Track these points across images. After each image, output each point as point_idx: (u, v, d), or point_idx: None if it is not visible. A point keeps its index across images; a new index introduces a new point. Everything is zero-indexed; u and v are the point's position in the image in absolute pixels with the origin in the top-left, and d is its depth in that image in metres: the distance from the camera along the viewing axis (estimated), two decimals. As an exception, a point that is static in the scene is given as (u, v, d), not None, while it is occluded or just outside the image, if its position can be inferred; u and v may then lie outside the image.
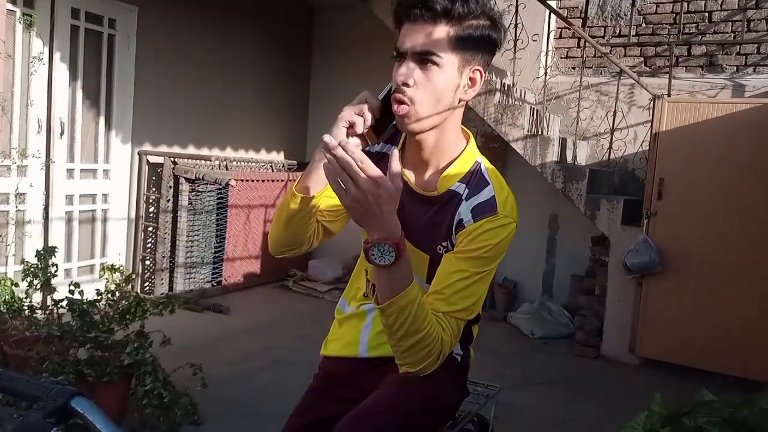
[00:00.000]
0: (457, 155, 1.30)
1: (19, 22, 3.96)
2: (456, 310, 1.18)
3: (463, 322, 1.21)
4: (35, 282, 2.91)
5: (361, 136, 1.21)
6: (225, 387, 3.28)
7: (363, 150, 1.23)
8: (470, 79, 1.23)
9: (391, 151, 1.37)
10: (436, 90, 1.19)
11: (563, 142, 4.70)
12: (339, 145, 1.02)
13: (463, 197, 1.26)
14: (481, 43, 1.21)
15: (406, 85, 1.18)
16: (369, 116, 1.18)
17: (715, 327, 3.93)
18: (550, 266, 5.38)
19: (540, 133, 4.59)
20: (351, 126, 1.18)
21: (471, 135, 1.35)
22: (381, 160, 1.35)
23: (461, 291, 1.18)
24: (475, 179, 1.27)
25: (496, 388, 1.70)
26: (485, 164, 1.31)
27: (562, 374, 4.03)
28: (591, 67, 5.18)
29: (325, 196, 1.27)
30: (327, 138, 1.03)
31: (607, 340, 4.35)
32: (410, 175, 1.34)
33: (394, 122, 1.26)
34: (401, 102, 1.19)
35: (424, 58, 1.18)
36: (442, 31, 1.17)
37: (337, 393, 1.39)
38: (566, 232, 5.28)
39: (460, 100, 1.25)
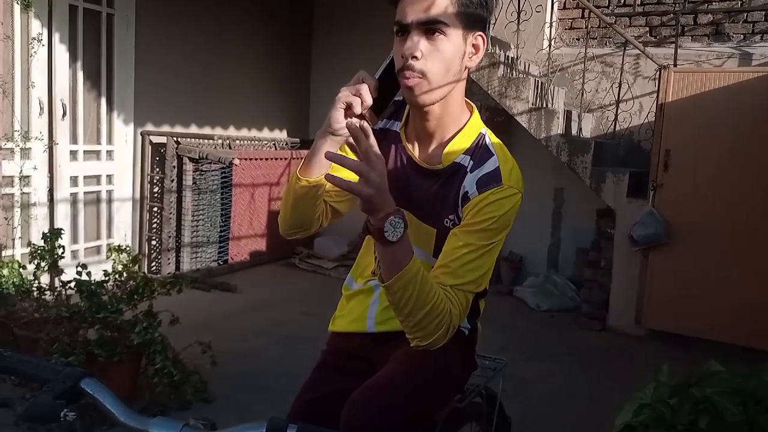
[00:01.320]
0: (461, 127, 1.29)
1: (17, 2, 3.92)
2: (463, 283, 1.18)
3: (472, 294, 1.21)
4: (43, 264, 2.92)
5: (360, 117, 1.18)
6: (234, 364, 3.30)
7: None
8: (473, 45, 1.23)
9: (393, 126, 1.36)
10: (445, 59, 1.18)
11: (568, 115, 4.66)
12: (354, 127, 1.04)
13: (468, 169, 1.25)
14: (480, 9, 1.20)
15: (414, 58, 1.17)
16: (367, 96, 1.16)
17: (721, 297, 3.93)
18: (555, 239, 5.38)
19: (544, 105, 4.55)
20: (349, 107, 1.16)
21: (474, 107, 1.34)
22: (385, 136, 1.35)
23: (468, 264, 1.18)
24: (479, 151, 1.27)
25: (503, 361, 1.71)
26: (489, 136, 1.30)
27: (569, 347, 4.05)
28: (595, 38, 5.12)
29: None
30: (353, 122, 1.05)
31: (613, 312, 4.36)
32: (414, 150, 1.33)
33: (395, 99, 1.25)
34: (413, 76, 1.17)
35: (431, 28, 1.16)
36: (443, 0, 1.16)
37: (347, 367, 1.40)
38: (572, 205, 5.27)
39: (465, 68, 1.24)
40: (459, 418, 1.49)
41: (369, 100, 1.16)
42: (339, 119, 1.16)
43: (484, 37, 1.24)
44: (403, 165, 1.32)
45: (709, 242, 3.97)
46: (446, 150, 1.28)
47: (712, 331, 3.95)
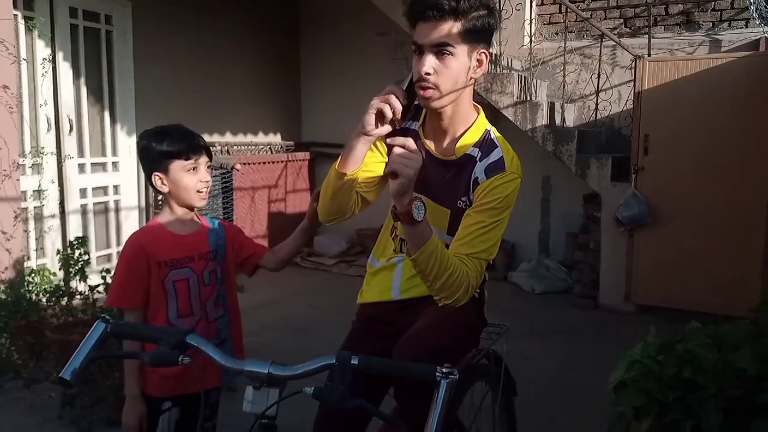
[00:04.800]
0: (470, 125, 1.55)
1: (29, 27, 4.08)
2: (477, 252, 1.43)
3: (484, 262, 1.46)
4: (71, 270, 3.11)
5: (392, 122, 1.44)
6: (253, 355, 3.48)
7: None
8: (477, 60, 1.48)
9: (412, 126, 1.61)
10: (453, 74, 1.44)
11: (551, 106, 4.91)
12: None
13: (478, 159, 1.52)
14: (483, 30, 1.46)
15: (427, 74, 1.42)
16: (398, 106, 1.41)
17: (702, 271, 4.20)
18: (545, 226, 5.62)
19: (528, 99, 4.79)
20: (379, 113, 1.41)
21: (480, 109, 1.60)
22: (405, 133, 1.59)
23: (480, 236, 1.44)
24: (486, 144, 1.54)
25: (506, 326, 1.94)
26: (494, 132, 1.57)
27: (564, 324, 4.30)
28: (573, 32, 5.37)
29: (362, 171, 1.51)
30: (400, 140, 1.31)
31: (604, 291, 4.61)
32: (431, 144, 1.59)
33: (415, 103, 1.51)
34: (426, 88, 1.43)
35: (440, 50, 1.42)
36: (451, 26, 1.41)
37: (377, 331, 1.64)
38: (559, 192, 5.51)
39: (471, 78, 1.50)
40: (472, 374, 1.72)
41: (399, 107, 1.41)
42: (371, 122, 1.40)
43: (487, 54, 1.49)
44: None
45: (689, 220, 4.24)
46: (458, 144, 1.54)
47: (697, 302, 4.20)
